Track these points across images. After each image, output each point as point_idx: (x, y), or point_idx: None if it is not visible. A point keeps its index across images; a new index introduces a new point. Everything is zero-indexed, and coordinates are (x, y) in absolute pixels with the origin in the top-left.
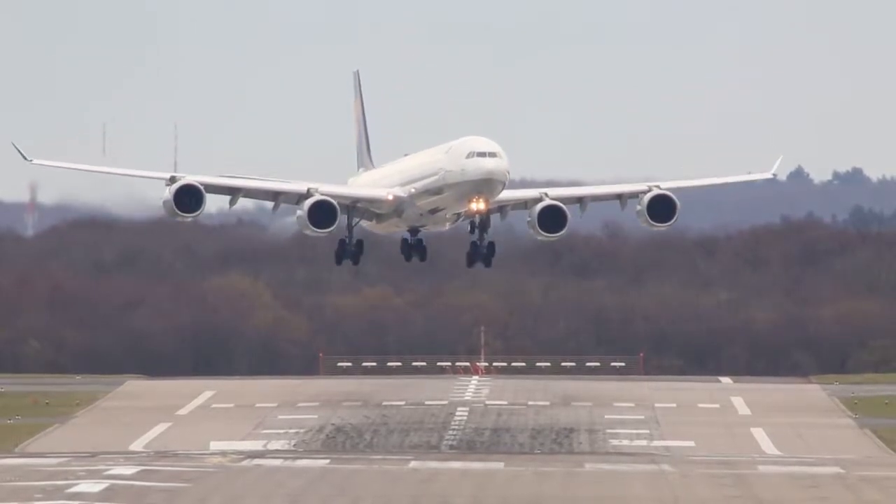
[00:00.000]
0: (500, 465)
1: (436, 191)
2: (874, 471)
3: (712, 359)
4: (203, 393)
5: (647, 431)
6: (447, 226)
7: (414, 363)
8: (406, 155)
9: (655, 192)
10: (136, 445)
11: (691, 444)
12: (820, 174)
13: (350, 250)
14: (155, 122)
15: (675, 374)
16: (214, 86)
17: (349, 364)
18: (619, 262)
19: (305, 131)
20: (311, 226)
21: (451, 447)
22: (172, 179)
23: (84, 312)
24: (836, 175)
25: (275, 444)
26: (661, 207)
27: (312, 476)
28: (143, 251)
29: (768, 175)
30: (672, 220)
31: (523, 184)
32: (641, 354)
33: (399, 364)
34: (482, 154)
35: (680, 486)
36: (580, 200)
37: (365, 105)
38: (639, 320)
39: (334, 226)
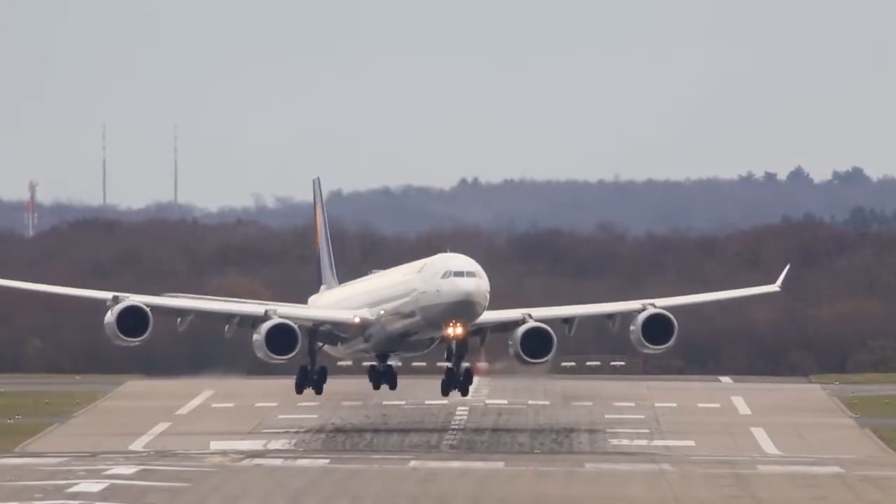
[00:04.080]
0: (501, 464)
1: (408, 314)
2: (874, 470)
3: (712, 359)
4: (203, 392)
5: (647, 431)
6: (420, 352)
7: (414, 363)
8: (373, 272)
9: (651, 311)
10: (136, 445)
11: (691, 443)
12: (820, 174)
13: (312, 378)
14: (155, 123)
15: (675, 373)
16: (214, 86)
17: (349, 363)
18: (620, 263)
19: (305, 132)
20: (268, 352)
21: (451, 447)
22: (115, 300)
23: (84, 312)
24: (836, 175)
25: (275, 444)
26: (658, 327)
27: (312, 475)
28: (142, 251)
29: (774, 288)
30: (670, 342)
31: (522, 184)
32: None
33: (399, 364)
34: (459, 273)
35: (680, 485)
36: (567, 321)
37: (326, 213)
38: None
39: (295, 351)
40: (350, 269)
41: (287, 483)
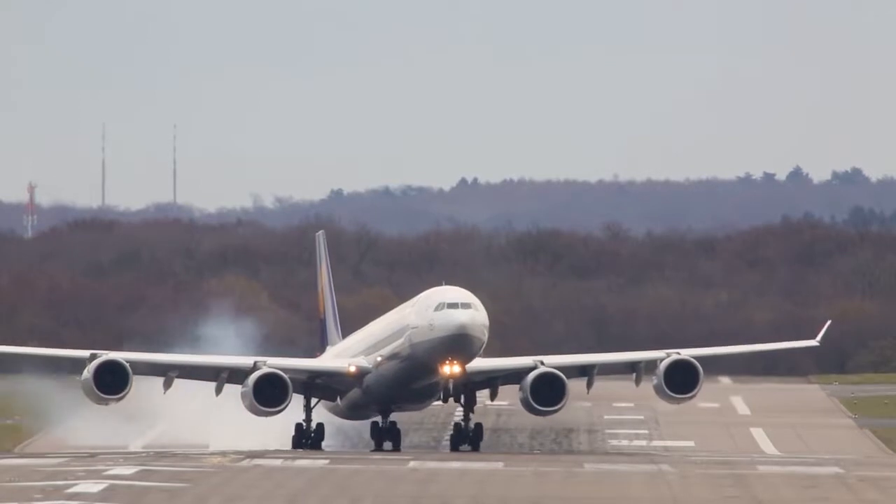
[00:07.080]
0: (500, 464)
1: (403, 356)
2: (873, 471)
3: (712, 359)
4: (203, 392)
5: (647, 431)
6: (425, 404)
7: None
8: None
9: (673, 357)
10: (136, 445)
11: (691, 444)
12: (819, 174)
13: (309, 435)
14: (154, 124)
15: None
16: (213, 87)
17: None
18: (619, 263)
19: (306, 132)
20: (257, 403)
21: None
22: (93, 357)
23: (83, 313)
24: (835, 175)
25: (274, 444)
26: (682, 375)
27: (312, 476)
28: (141, 251)
29: (814, 343)
30: (694, 391)
31: (522, 184)
32: None
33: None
34: (454, 305)
35: (679, 486)
36: (584, 372)
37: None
38: (639, 320)
39: (286, 403)
40: (349, 270)
41: (286, 483)
